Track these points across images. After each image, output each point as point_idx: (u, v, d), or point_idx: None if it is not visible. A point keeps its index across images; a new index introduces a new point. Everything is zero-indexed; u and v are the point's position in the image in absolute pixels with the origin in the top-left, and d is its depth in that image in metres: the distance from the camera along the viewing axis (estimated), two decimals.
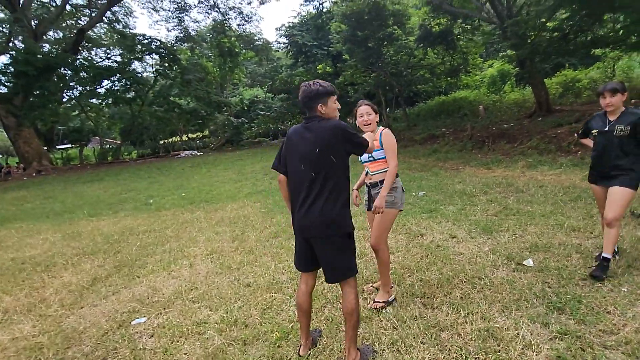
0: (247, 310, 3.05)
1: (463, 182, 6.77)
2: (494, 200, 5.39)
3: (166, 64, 26.83)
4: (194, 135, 38.42)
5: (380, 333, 2.53)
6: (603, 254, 2.86)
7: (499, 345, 2.26)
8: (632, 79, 11.02)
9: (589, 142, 3.20)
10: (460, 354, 2.21)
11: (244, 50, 30.37)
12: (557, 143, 7.69)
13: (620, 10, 6.81)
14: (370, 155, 2.69)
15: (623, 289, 2.68)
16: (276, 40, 28.13)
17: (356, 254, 2.28)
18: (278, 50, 29.96)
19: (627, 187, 2.78)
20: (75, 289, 3.89)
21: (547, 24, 8.79)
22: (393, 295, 2.93)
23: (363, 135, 2.36)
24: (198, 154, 27.13)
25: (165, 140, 37.12)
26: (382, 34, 14.29)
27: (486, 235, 4.08)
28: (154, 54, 26.80)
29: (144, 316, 3.17)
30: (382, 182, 2.73)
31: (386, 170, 2.73)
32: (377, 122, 2.83)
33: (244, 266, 4.06)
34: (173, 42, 28.23)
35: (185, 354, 2.55)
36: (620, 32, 7.98)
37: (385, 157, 2.76)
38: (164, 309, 3.27)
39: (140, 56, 27.77)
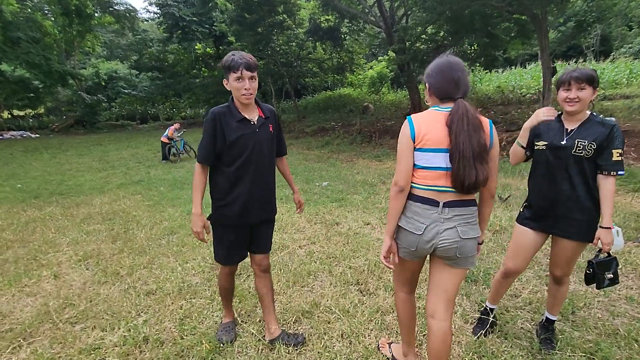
0: (158, 324, 2.44)
1: (361, 173, 7.18)
2: None
3: None
4: (22, 113, 29.97)
5: (327, 326, 2.36)
6: (548, 316, 2.15)
7: None
8: (477, 92, 13.90)
9: (516, 156, 2.03)
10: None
11: (99, 14, 25.18)
12: None
13: (476, 32, 8.44)
14: None
15: None
16: (145, 9, 24.27)
17: (217, 246, 2.10)
18: (147, 21, 26.03)
19: (584, 241, 1.88)
20: None
21: (423, 35, 10.23)
22: None
23: None
24: (32, 136, 21.40)
25: None
26: (272, 21, 13.97)
27: None
28: None
29: None
30: None
31: None
32: (434, 97, 1.66)
33: (138, 270, 3.29)
34: None
35: None
36: (477, 51, 9.96)
37: None
38: (24, 339, 2.34)
39: None
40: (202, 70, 24.46)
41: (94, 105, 24.12)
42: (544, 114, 1.90)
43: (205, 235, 1.97)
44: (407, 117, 1.65)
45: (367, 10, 12.71)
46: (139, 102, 28.42)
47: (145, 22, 27.30)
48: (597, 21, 8.07)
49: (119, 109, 28.53)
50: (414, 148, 1.56)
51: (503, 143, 7.43)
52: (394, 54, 11.10)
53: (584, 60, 15.15)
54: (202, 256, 3.55)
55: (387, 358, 2.04)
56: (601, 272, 1.85)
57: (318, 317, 2.47)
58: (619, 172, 1.77)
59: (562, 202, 1.89)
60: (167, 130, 10.52)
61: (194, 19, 18.70)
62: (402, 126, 1.61)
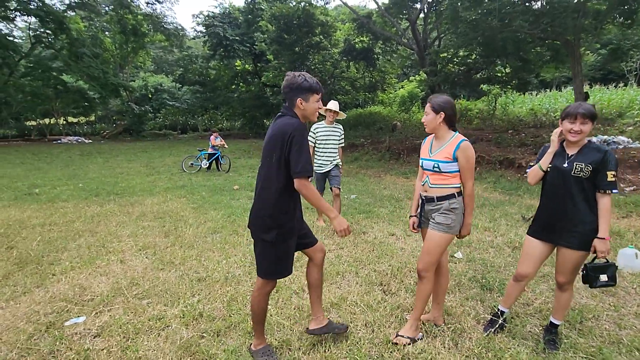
0: (210, 304, 2.89)
1: (388, 188, 7.50)
2: None
3: (49, 31, 22.49)
4: (76, 120, 32.85)
5: (353, 317, 2.70)
6: (552, 320, 2.38)
7: (453, 319, 2.66)
8: (508, 114, 13.86)
9: (536, 177, 2.32)
10: (426, 330, 2.53)
11: (152, 32, 27.55)
12: None
13: (508, 56, 8.64)
14: (435, 163, 2.29)
15: None
16: (192, 28, 26.27)
17: (282, 262, 2.11)
18: (194, 39, 28.03)
19: (585, 251, 2.14)
20: None
21: (455, 58, 10.55)
22: (421, 334, 2.44)
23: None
24: (86, 141, 23.37)
25: (40, 122, 30.84)
26: (309, 41, 14.78)
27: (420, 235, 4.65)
28: (31, 16, 22.20)
29: (80, 316, 2.71)
30: (439, 198, 2.29)
31: (449, 187, 2.27)
32: (444, 124, 2.27)
33: (189, 261, 3.79)
34: (60, 7, 23.80)
35: (150, 350, 2.29)
36: (508, 75, 10.12)
37: (454, 172, 2.25)
38: (103, 306, 2.86)
39: (12, 15, 22.74)
40: (240, 86, 25.85)
41: (141, 115, 26.06)
42: (555, 134, 2.23)
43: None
44: (464, 140, 2.23)
45: (400, 33, 13.20)
46: (180, 113, 30.32)
47: (191, 40, 29.36)
48: (632, 49, 8.04)
49: (162, 119, 30.54)
50: None
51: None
52: (426, 75, 11.43)
53: (625, 85, 14.68)
54: (242, 253, 4.00)
55: (404, 345, 2.34)
56: (594, 274, 2.12)
57: (345, 309, 2.82)
58: (613, 191, 2.07)
59: (565, 217, 2.17)
60: (210, 141, 11.19)
61: (237, 38, 20.01)
62: (469, 147, 2.23)
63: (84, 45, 21.71)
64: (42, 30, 22.89)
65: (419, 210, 2.49)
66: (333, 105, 4.71)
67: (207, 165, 10.92)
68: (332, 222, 2.03)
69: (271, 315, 2.69)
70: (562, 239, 2.20)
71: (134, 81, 31.61)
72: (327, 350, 2.29)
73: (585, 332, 2.49)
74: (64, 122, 30.61)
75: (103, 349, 2.31)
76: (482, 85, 11.92)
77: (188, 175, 10.16)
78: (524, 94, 16.08)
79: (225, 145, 11.32)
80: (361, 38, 15.40)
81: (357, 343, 2.38)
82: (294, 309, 2.82)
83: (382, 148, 12.16)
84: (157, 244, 4.33)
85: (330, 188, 4.86)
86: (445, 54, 10.27)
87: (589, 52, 10.15)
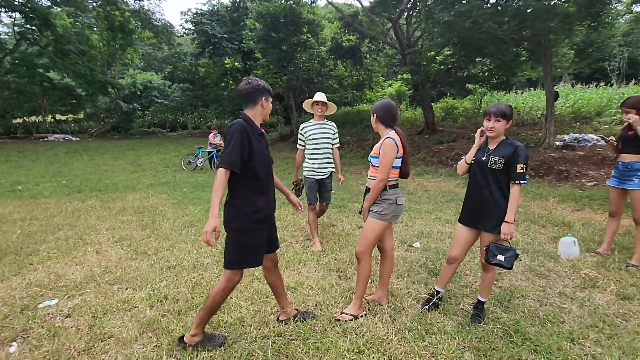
0: (175, 288, 3.12)
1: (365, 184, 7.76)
2: None
3: (34, 27, 22.28)
4: (64, 117, 32.58)
5: (306, 298, 2.96)
6: (479, 298, 2.64)
7: (396, 300, 2.93)
8: None
9: (462, 168, 2.66)
10: (370, 308, 2.80)
11: (140, 29, 27.40)
12: (439, 157, 9.50)
13: (487, 56, 8.91)
14: (370, 158, 2.64)
15: (475, 262, 3.72)
16: (180, 25, 26.19)
17: (248, 251, 2.20)
18: (182, 36, 27.97)
19: (498, 234, 2.41)
20: None
21: (437, 57, 10.81)
22: (364, 312, 2.70)
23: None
24: (74, 139, 23.27)
25: (25, 119, 30.50)
26: (296, 40, 14.94)
27: None
28: (15, 12, 21.96)
29: (53, 299, 2.92)
30: (369, 189, 2.61)
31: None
32: (380, 124, 2.59)
33: (162, 252, 4.01)
34: (46, 3, 23.55)
35: (115, 327, 2.52)
36: (486, 74, 10.41)
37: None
38: (76, 291, 3.07)
39: None
40: (229, 83, 25.86)
41: (130, 113, 25.97)
42: (478, 131, 2.56)
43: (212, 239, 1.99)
44: (390, 137, 2.49)
45: (384, 32, 13.46)
46: (170, 111, 30.25)
47: (180, 37, 29.28)
48: (596, 50, 8.40)
49: (151, 117, 30.45)
50: (395, 157, 2.48)
51: None
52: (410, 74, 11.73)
53: (606, 84, 15.13)
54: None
55: (346, 320, 2.60)
56: (493, 252, 2.40)
57: (300, 291, 3.08)
58: (522, 181, 2.34)
59: (483, 204, 2.47)
60: (209, 139, 11.17)
61: (225, 36, 20.10)
62: (390, 144, 2.46)
63: (70, 42, 21.55)
64: (27, 26, 22.66)
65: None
66: (320, 96, 4.01)
67: (209, 162, 11.08)
68: (209, 219, 1.99)
69: (231, 298, 2.92)
70: (481, 224, 2.50)
71: (123, 79, 31.41)
72: (275, 326, 2.55)
73: (510, 308, 2.78)
74: (52, 119, 30.33)
75: (72, 327, 2.54)
76: (467, 84, 12.24)
77: (172, 172, 10.32)
78: (509, 92, 16.44)
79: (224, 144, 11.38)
80: (348, 37, 15.61)
81: (304, 320, 2.63)
82: (253, 292, 3.07)
83: (366, 145, 12.44)
84: (133, 236, 4.54)
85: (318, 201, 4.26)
86: (429, 53, 10.53)
87: (572, 51, 10.47)
